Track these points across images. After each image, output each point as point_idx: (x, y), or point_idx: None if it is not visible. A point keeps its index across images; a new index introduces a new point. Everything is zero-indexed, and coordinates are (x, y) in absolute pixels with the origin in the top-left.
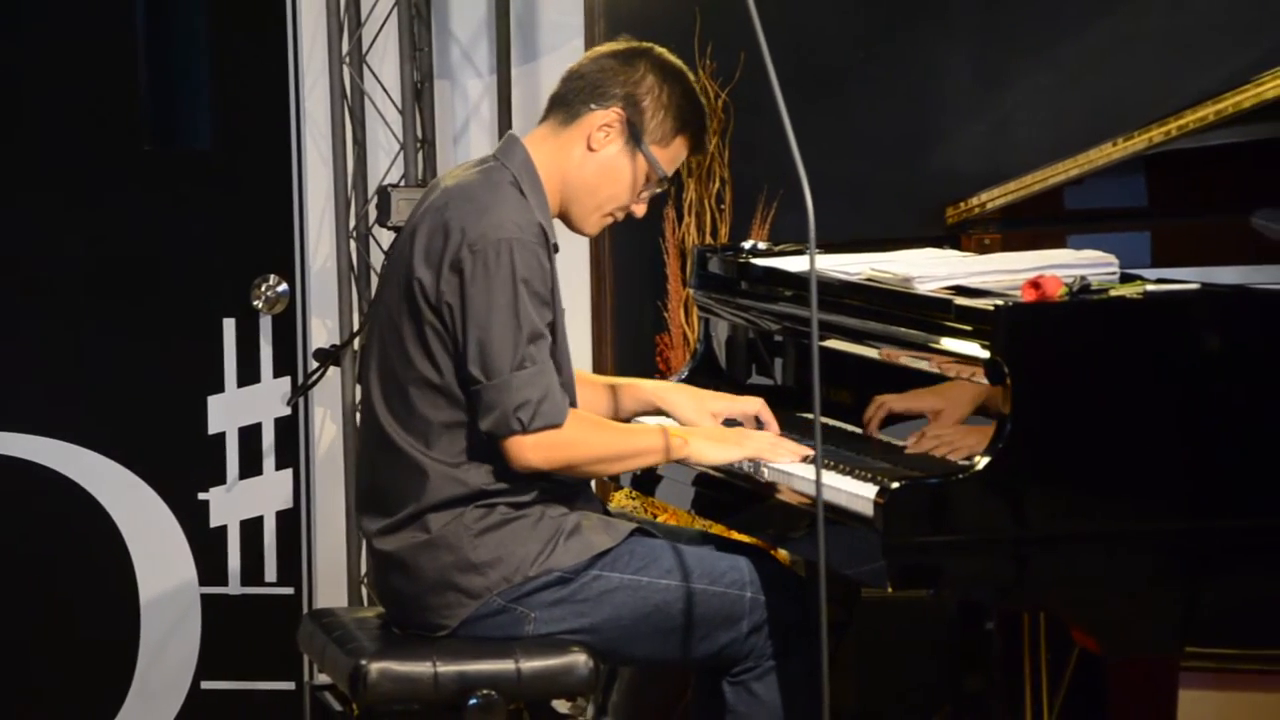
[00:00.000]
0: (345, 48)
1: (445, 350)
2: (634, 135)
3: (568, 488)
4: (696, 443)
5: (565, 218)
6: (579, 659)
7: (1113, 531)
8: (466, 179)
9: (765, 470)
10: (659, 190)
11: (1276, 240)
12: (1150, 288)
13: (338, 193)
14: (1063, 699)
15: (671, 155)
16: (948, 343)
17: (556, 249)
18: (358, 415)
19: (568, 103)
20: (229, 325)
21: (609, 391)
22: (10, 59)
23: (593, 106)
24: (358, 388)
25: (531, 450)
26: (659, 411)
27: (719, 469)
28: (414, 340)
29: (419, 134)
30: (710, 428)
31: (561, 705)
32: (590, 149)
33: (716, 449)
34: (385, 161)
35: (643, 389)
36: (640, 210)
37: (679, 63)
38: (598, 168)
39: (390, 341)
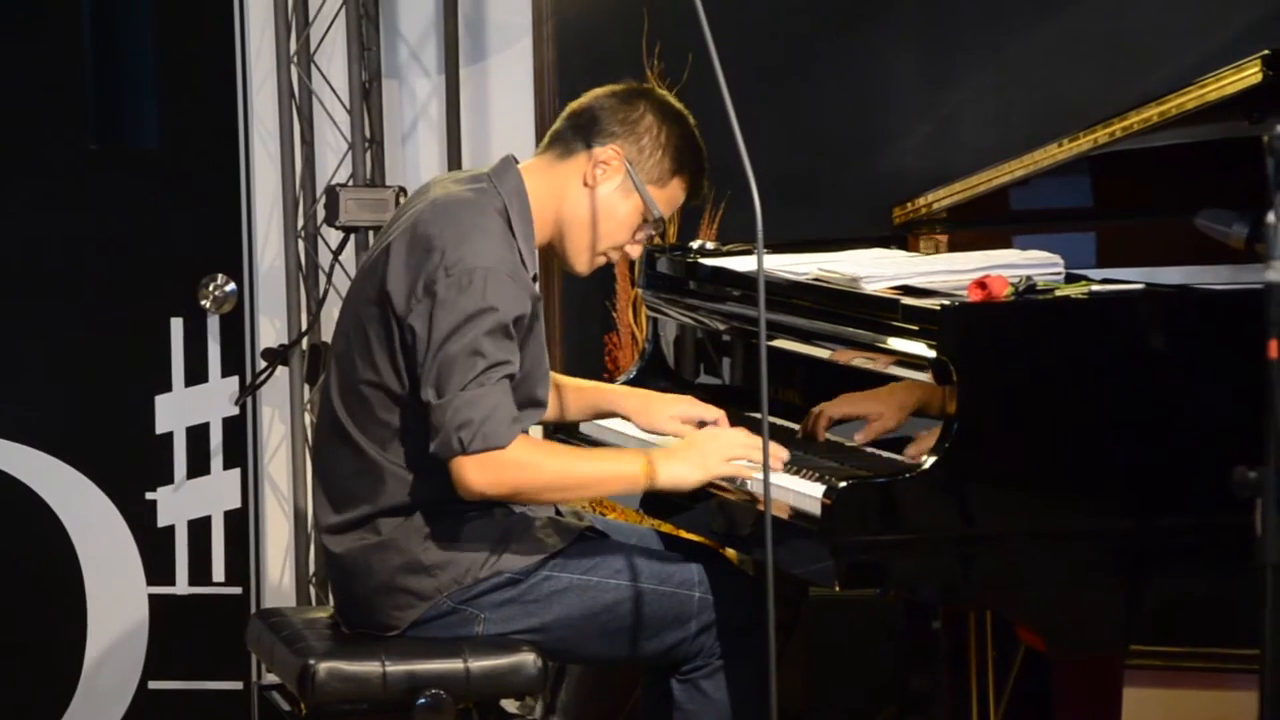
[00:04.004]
0: (293, 47)
1: (409, 363)
2: (631, 174)
3: None
4: (664, 466)
5: (558, 254)
6: (527, 658)
7: (1058, 531)
8: (456, 195)
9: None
10: (655, 232)
11: (1220, 240)
12: (1095, 288)
13: (286, 192)
14: (1009, 697)
15: (668, 196)
16: (895, 342)
17: (536, 279)
18: (306, 415)
19: (566, 139)
20: (177, 325)
21: (555, 390)
22: None
23: (591, 143)
24: (306, 387)
25: (474, 473)
26: (612, 416)
27: None
28: (381, 347)
29: (367, 133)
30: (675, 446)
31: (510, 704)
32: (586, 185)
33: (687, 470)
34: (333, 161)
35: (600, 392)
36: (635, 252)
37: (679, 105)
38: (593, 205)
39: (356, 344)
